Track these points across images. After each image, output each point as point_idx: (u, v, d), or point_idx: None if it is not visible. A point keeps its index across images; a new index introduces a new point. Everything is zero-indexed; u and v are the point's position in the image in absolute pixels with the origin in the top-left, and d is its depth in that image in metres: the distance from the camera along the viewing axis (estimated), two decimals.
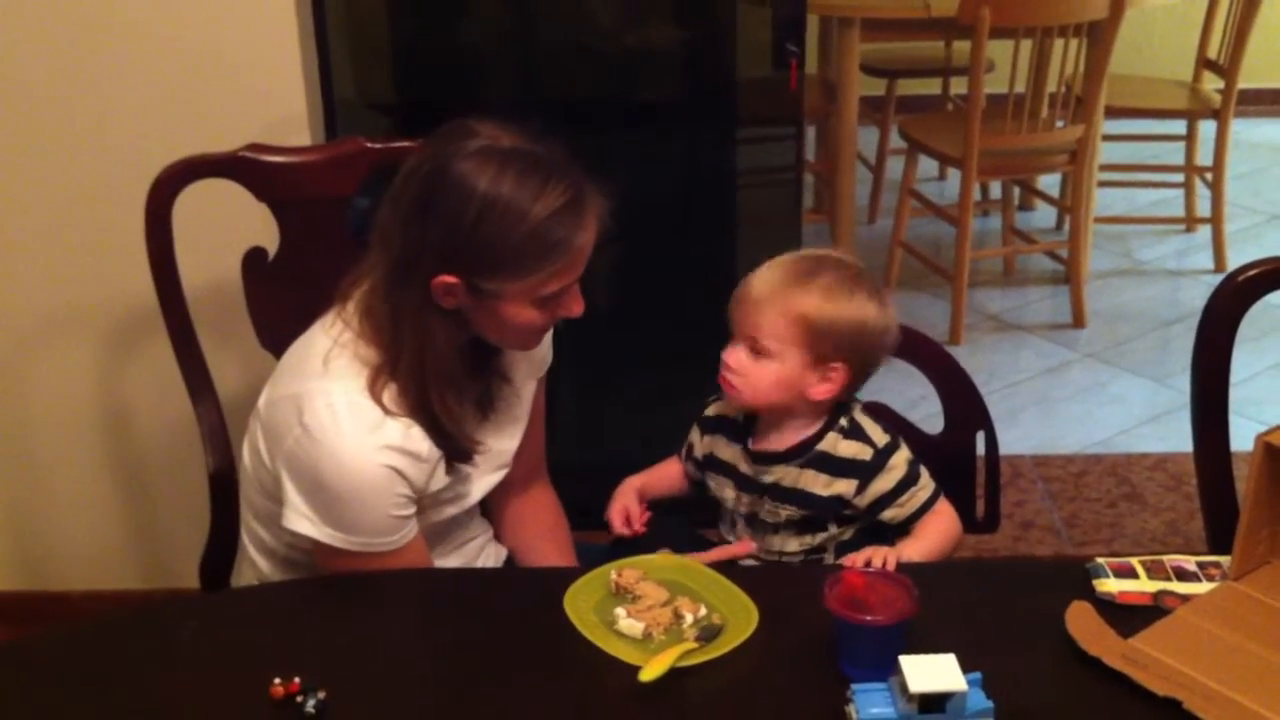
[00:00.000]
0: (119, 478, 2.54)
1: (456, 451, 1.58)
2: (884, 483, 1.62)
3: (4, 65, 2.21)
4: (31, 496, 2.56)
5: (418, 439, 1.53)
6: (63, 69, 2.21)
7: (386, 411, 1.51)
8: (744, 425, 1.70)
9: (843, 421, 1.65)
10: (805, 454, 1.64)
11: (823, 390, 1.61)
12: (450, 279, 1.48)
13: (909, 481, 1.63)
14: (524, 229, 1.45)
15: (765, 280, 1.61)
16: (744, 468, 1.68)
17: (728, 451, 1.71)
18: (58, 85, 2.22)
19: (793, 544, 1.67)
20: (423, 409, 1.53)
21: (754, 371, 1.61)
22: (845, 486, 1.62)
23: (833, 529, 1.66)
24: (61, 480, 2.54)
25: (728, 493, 1.70)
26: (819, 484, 1.63)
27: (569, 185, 1.48)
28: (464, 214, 1.45)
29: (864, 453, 1.63)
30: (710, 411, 1.75)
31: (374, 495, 1.51)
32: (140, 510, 2.57)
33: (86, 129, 2.25)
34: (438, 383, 1.53)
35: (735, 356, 1.61)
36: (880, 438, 1.64)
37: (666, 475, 1.80)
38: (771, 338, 1.59)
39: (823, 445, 1.64)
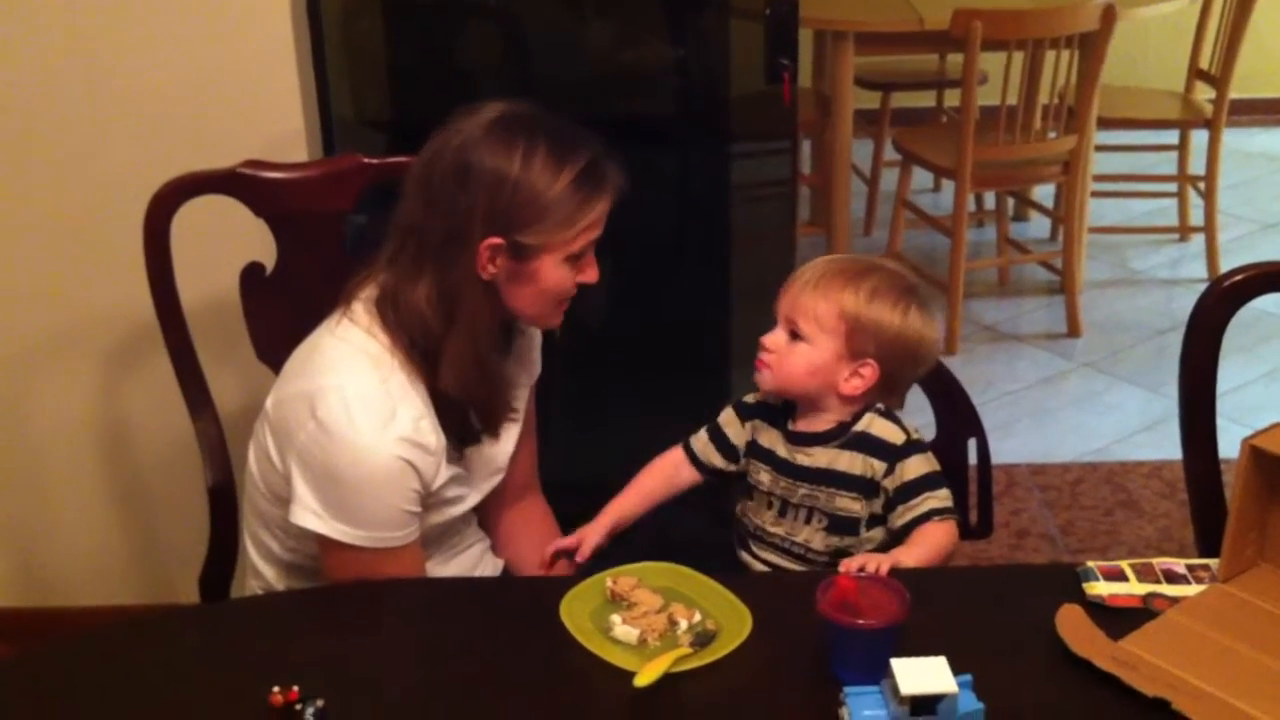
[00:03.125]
0: (118, 493, 2.55)
1: (468, 432, 1.62)
2: (910, 468, 1.64)
3: (3, 83, 2.23)
4: (31, 512, 2.57)
5: (426, 431, 1.56)
6: (62, 86, 2.23)
7: (403, 398, 1.54)
8: (783, 411, 1.72)
9: (879, 406, 1.68)
10: (844, 435, 1.67)
11: (851, 386, 1.64)
12: (496, 240, 1.53)
13: (931, 481, 1.65)
14: (564, 180, 1.53)
15: (817, 271, 1.67)
16: (781, 451, 1.70)
17: (767, 436, 1.73)
18: (57, 103, 2.24)
19: (819, 541, 1.68)
20: (458, 385, 1.57)
21: (788, 354, 1.65)
22: (877, 467, 1.64)
23: (864, 532, 1.67)
24: (61, 496, 2.55)
25: (763, 477, 1.72)
26: (856, 464, 1.65)
27: (590, 143, 1.57)
28: (506, 173, 1.52)
29: (897, 436, 1.66)
30: (749, 399, 1.77)
31: (386, 487, 1.54)
32: (140, 525, 2.58)
33: (86, 146, 2.27)
34: (486, 352, 1.60)
35: (773, 338, 1.67)
36: (913, 433, 1.68)
37: (639, 495, 1.77)
38: (812, 323, 1.63)
39: (859, 425, 1.67)
